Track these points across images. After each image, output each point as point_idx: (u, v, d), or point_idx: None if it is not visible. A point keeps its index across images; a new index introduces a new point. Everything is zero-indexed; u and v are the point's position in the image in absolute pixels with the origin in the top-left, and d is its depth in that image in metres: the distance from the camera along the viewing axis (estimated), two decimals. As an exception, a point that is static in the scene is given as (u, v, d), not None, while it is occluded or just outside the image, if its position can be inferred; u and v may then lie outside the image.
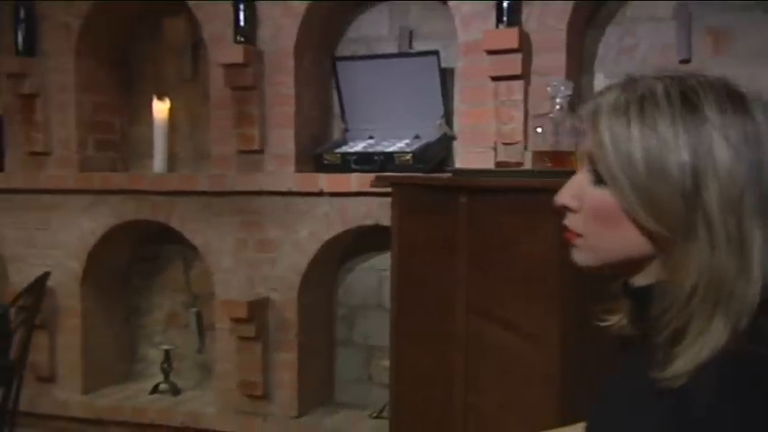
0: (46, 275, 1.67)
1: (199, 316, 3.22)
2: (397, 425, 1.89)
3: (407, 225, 1.88)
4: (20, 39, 2.90)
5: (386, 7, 2.84)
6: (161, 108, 3.05)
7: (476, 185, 1.61)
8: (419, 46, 2.80)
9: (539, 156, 1.65)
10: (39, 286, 1.59)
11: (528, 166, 1.84)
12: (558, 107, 1.69)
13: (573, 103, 1.73)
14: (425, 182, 1.97)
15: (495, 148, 1.98)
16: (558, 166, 1.62)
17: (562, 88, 1.70)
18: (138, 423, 2.93)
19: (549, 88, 1.72)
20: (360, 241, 2.87)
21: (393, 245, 1.93)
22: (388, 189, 2.46)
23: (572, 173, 0.83)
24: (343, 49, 2.90)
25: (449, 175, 1.89)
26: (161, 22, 3.17)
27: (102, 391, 3.09)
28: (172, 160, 3.07)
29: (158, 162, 3.03)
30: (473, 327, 1.60)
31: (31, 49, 2.92)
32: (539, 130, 1.66)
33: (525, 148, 1.87)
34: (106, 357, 3.15)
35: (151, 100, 3.15)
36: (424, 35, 2.81)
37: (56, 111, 2.99)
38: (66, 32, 2.94)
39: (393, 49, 2.83)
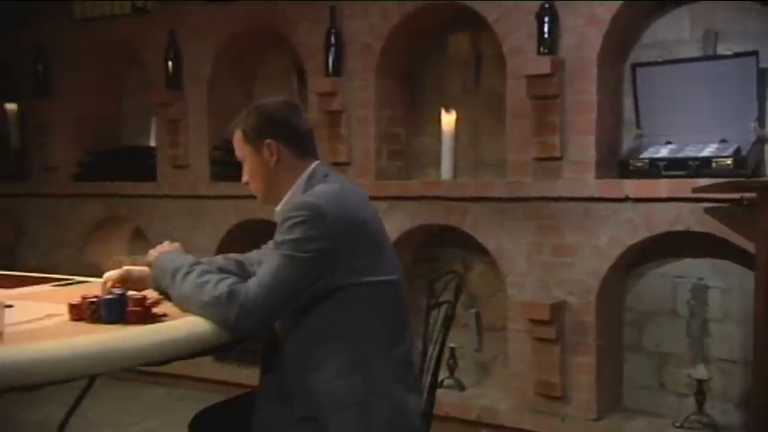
0: (457, 273, 1.87)
1: (478, 316, 3.36)
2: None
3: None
4: (330, 61, 3.24)
5: (686, 10, 2.80)
6: (448, 119, 3.24)
7: None
8: (722, 48, 2.72)
9: None
10: (458, 281, 1.80)
11: None
12: None
13: None
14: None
15: None
16: None
17: None
18: (434, 415, 3.12)
19: None
20: (651, 247, 2.84)
21: (759, 252, 1.89)
22: (705, 195, 2.43)
23: None
24: (638, 55, 2.90)
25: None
26: (445, 38, 3.38)
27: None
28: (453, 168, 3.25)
29: (446, 169, 3.22)
30: None
31: (338, 69, 3.25)
32: None
33: None
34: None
35: (433, 112, 3.37)
36: (728, 36, 2.73)
37: (357, 125, 3.30)
38: (369, 54, 3.23)
39: (693, 53, 2.79)
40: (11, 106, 4.34)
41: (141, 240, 4.16)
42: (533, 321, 2.83)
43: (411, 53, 3.37)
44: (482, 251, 3.15)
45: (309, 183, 1.60)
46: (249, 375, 3.56)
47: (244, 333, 1.44)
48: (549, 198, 2.84)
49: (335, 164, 3.37)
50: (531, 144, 2.86)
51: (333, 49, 3.23)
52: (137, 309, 1.48)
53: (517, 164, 2.93)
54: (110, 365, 1.24)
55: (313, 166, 1.64)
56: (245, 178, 1.68)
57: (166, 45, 3.69)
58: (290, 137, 1.63)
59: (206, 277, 1.46)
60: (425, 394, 1.75)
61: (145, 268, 1.75)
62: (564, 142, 2.81)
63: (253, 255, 1.83)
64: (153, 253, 1.63)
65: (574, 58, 2.77)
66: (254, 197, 3.46)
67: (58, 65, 4.07)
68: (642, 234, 2.68)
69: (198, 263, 1.53)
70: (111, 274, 1.67)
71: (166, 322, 1.43)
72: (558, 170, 2.83)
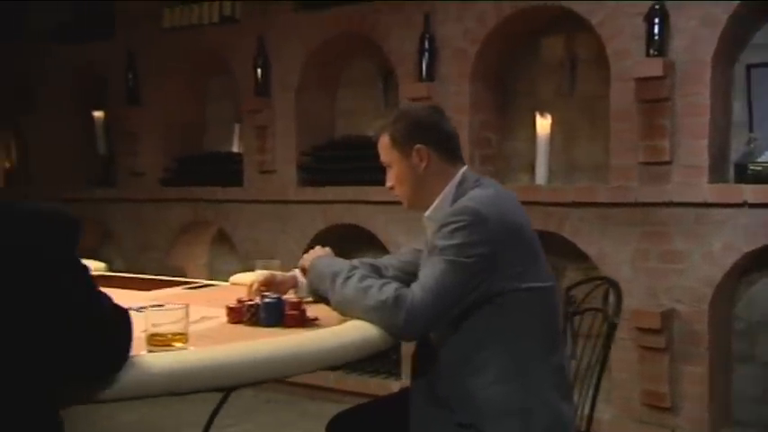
0: (607, 279, 1.83)
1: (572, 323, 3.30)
2: None
3: None
4: (423, 66, 3.22)
5: (804, 9, 2.71)
6: (544, 124, 3.20)
7: None
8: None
9: None
10: (612, 289, 1.76)
11: None
12: None
13: None
14: None
15: None
16: None
17: None
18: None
19: None
20: (764, 254, 2.74)
21: None
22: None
23: None
24: (748, 56, 2.82)
25: None
26: (538, 42, 3.34)
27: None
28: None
29: (541, 174, 3.17)
30: None
31: (431, 75, 3.23)
32: None
33: None
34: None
35: (523, 116, 3.33)
36: None
37: (450, 129, 3.27)
38: (464, 58, 3.20)
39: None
40: (98, 114, 4.46)
41: (225, 244, 4.22)
42: (641, 330, 2.76)
43: (504, 57, 3.34)
44: (577, 257, 3.09)
45: (461, 188, 1.58)
46: (336, 379, 3.56)
47: (409, 338, 1.43)
48: (658, 203, 2.77)
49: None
50: (637, 148, 2.80)
51: (426, 54, 3.22)
52: (294, 312, 1.49)
53: (621, 168, 2.87)
54: (293, 369, 1.24)
55: (462, 170, 1.62)
56: (389, 183, 1.67)
57: (255, 52, 3.73)
58: (440, 141, 1.61)
59: (368, 281, 1.45)
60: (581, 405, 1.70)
61: (284, 272, 1.76)
62: (674, 146, 2.74)
63: (385, 260, 1.82)
64: (307, 258, 1.64)
65: (685, 59, 2.70)
66: (340, 202, 3.55)
67: (146, 73, 4.16)
68: (761, 241, 2.59)
69: (356, 267, 1.53)
70: (257, 277, 1.68)
71: (333, 327, 1.42)
72: (667, 175, 2.76)
